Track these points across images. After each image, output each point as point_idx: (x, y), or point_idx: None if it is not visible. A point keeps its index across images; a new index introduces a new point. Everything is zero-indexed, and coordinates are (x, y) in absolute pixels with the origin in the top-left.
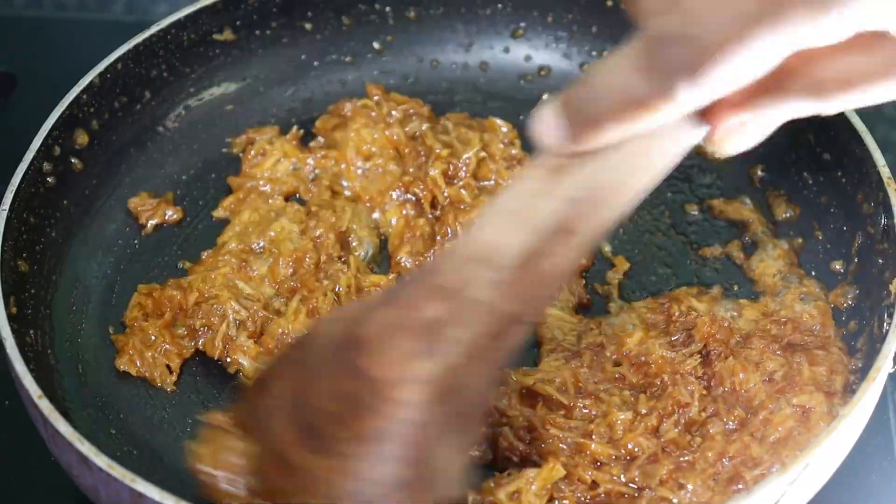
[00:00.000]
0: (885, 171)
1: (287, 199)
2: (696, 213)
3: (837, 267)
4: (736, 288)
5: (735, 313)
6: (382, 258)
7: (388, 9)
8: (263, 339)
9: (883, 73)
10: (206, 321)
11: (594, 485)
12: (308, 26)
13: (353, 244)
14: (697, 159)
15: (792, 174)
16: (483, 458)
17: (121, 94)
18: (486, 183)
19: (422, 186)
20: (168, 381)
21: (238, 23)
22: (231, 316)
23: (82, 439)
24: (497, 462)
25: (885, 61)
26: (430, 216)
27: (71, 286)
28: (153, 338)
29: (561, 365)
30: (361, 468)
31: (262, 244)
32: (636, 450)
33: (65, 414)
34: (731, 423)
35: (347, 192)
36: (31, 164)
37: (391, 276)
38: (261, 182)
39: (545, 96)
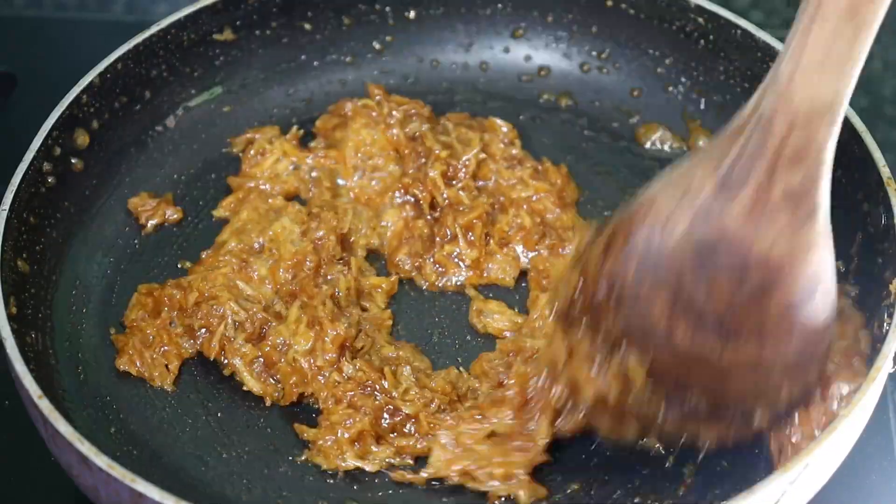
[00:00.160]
0: (885, 171)
1: (288, 199)
2: None
3: (838, 266)
4: None
5: None
6: (380, 259)
7: (388, 9)
8: (262, 344)
9: None
10: (205, 322)
11: None
12: (308, 26)
13: (354, 244)
14: None
15: None
16: None
17: (121, 94)
18: (485, 183)
19: (421, 188)
20: (168, 382)
21: (238, 23)
22: (230, 317)
23: (82, 439)
24: None
25: None
26: (429, 217)
27: (71, 286)
28: (152, 338)
29: None
30: (770, 352)
31: (261, 242)
32: None
33: (65, 414)
34: None
35: (346, 193)
36: (31, 164)
37: (392, 277)
38: (261, 182)
39: (545, 96)
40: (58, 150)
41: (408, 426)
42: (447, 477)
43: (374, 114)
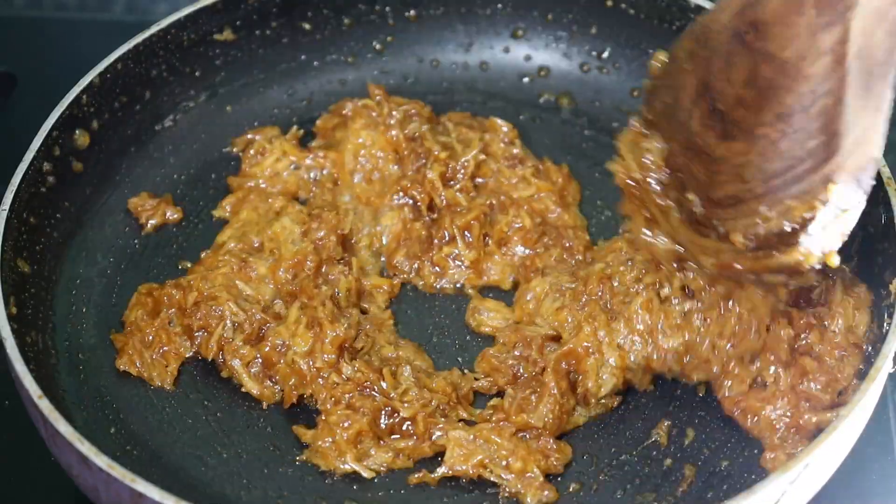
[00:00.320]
0: (885, 171)
1: (289, 199)
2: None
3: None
4: None
5: None
6: (379, 261)
7: (388, 9)
8: (261, 345)
9: None
10: (204, 322)
11: None
12: (308, 26)
13: (356, 245)
14: None
15: None
16: None
17: (121, 94)
18: (485, 181)
19: (419, 189)
20: (167, 381)
21: (238, 23)
22: (228, 318)
23: (82, 439)
24: None
25: None
26: (427, 219)
27: (71, 286)
28: (151, 338)
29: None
30: (780, 146)
31: (261, 242)
32: None
33: (65, 414)
34: None
35: (346, 194)
36: (31, 164)
37: (395, 280)
38: (261, 181)
39: (545, 96)
40: (58, 150)
41: (405, 426)
42: (464, 474)
43: (374, 114)
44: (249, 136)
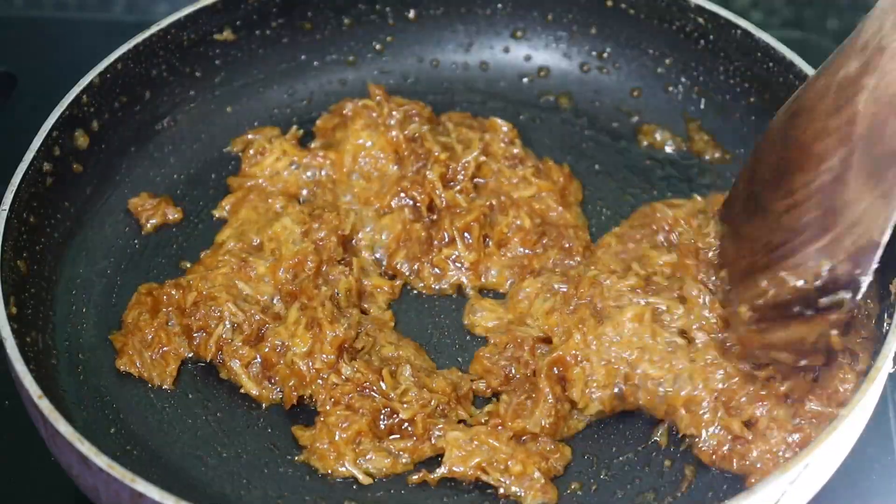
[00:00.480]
0: None
1: (289, 199)
2: None
3: None
4: None
5: None
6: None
7: (388, 9)
8: (260, 345)
9: None
10: (204, 323)
11: None
12: (308, 26)
13: (357, 245)
14: (697, 160)
15: None
16: None
17: (121, 94)
18: (485, 181)
19: (420, 190)
20: (167, 381)
21: (238, 23)
22: (227, 319)
23: (82, 439)
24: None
25: None
26: (427, 220)
27: (71, 286)
28: (150, 337)
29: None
30: (783, 219)
31: (260, 242)
32: None
33: (65, 414)
34: None
35: (346, 193)
36: (31, 164)
37: (397, 282)
38: (261, 181)
39: (545, 96)
40: (58, 150)
41: (405, 426)
42: (462, 475)
43: (374, 114)
44: (249, 136)
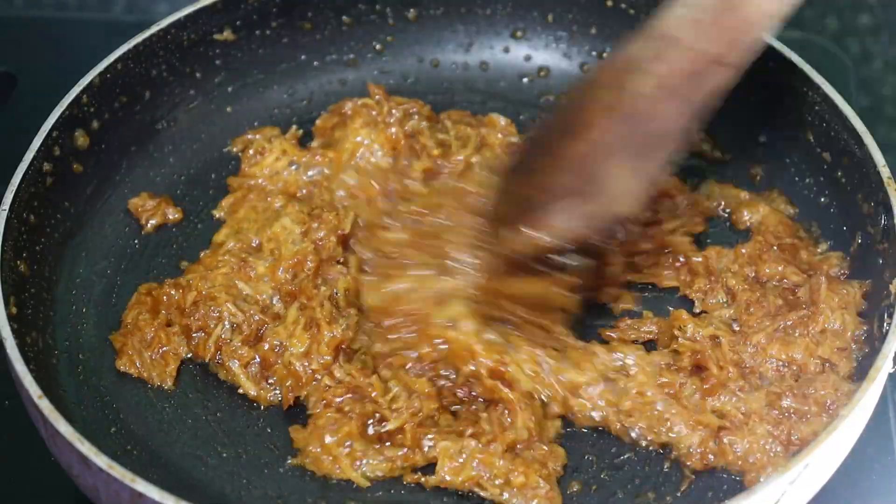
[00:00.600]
0: (885, 172)
1: (289, 198)
2: None
3: (839, 265)
4: None
5: None
6: None
7: (388, 9)
8: (259, 345)
9: None
10: (203, 323)
11: None
12: (308, 26)
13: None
14: (697, 160)
15: (792, 174)
16: None
17: (121, 94)
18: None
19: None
20: (167, 382)
21: (238, 23)
22: (227, 319)
23: (82, 439)
24: None
25: None
26: None
27: (71, 286)
28: (150, 337)
29: None
30: (550, 179)
31: (260, 242)
32: None
33: (65, 414)
34: None
35: (343, 192)
36: (31, 164)
37: None
38: (260, 181)
39: (545, 96)
40: (58, 150)
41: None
42: (456, 485)
43: (373, 113)
44: (249, 136)
